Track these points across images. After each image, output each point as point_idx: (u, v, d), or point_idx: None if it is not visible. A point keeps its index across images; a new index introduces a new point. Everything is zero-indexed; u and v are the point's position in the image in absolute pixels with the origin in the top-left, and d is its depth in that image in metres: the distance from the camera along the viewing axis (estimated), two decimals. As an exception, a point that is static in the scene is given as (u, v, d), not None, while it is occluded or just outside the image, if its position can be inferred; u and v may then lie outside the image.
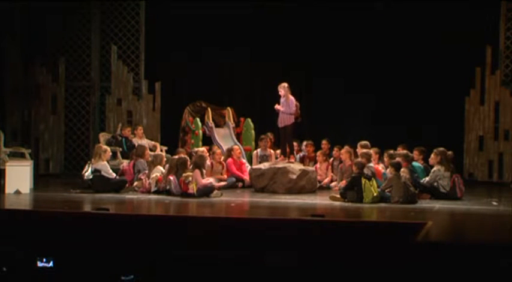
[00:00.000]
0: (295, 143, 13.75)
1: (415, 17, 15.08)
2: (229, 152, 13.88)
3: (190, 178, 11.95)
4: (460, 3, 14.56)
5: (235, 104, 15.63)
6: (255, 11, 15.67)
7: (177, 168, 12.15)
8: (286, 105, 12.87)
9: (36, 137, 15.73)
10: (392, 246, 8.21)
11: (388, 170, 11.96)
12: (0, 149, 12.68)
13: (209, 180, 12.35)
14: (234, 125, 15.22)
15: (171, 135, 15.33)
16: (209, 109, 15.10)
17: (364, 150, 12.45)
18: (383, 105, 15.32)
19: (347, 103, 15.51)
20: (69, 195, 12.17)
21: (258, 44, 15.83)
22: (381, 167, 12.55)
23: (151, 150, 13.87)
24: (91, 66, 16.04)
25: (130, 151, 13.93)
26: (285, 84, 12.93)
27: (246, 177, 13.58)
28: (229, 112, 15.27)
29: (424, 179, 12.05)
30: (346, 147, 13.32)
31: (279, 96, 12.96)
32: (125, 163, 13.49)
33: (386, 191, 11.57)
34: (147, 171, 12.73)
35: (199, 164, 12.15)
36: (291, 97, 12.89)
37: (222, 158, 13.76)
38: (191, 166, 12.18)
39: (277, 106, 12.94)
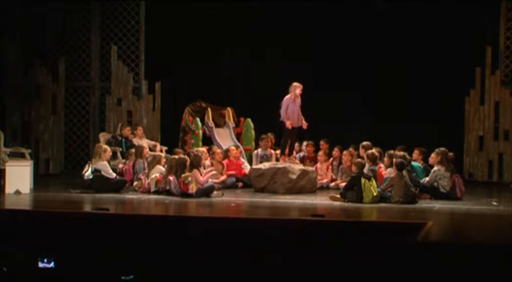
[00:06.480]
0: (296, 143, 13.81)
1: (415, 17, 15.07)
2: (226, 153, 13.89)
3: (189, 178, 11.94)
4: (460, 3, 14.56)
5: (235, 104, 15.62)
6: (255, 10, 15.66)
7: (177, 168, 12.15)
8: (296, 105, 12.88)
9: (36, 137, 15.72)
10: (392, 246, 8.21)
11: (388, 169, 11.94)
12: (0, 149, 12.69)
13: (208, 175, 12.29)
14: (234, 125, 15.22)
15: (171, 135, 15.32)
16: (209, 109, 15.09)
17: (370, 152, 12.40)
18: (383, 105, 15.31)
19: (347, 103, 15.49)
20: (69, 195, 12.17)
21: (258, 43, 15.82)
22: (382, 167, 12.53)
23: (151, 150, 13.86)
24: (91, 66, 16.03)
25: (127, 151, 13.91)
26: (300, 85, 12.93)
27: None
28: (229, 112, 15.27)
29: (424, 179, 12.04)
30: (350, 150, 13.32)
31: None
32: (121, 164, 13.48)
33: (386, 190, 11.57)
34: (146, 171, 12.73)
35: (195, 164, 12.14)
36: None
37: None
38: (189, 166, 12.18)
39: (289, 124, 12.93)
